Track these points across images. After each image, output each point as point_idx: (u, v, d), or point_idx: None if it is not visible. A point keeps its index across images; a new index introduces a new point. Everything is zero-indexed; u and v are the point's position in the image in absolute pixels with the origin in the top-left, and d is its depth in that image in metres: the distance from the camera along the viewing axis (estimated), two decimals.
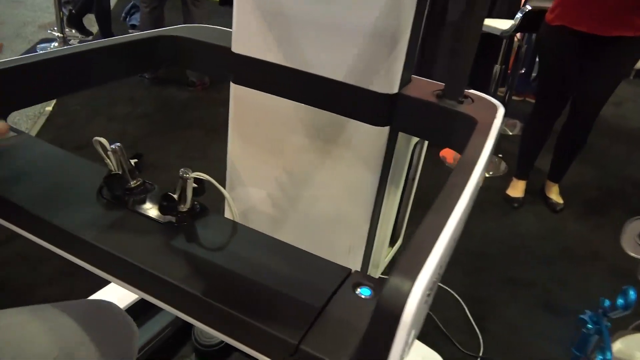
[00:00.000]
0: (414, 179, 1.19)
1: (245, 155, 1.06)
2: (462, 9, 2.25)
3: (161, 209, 0.60)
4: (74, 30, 4.06)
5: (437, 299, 1.43)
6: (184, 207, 0.61)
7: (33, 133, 2.57)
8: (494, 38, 2.42)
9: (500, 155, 2.85)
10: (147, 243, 0.56)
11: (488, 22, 2.40)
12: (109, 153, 0.62)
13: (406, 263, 0.40)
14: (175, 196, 0.60)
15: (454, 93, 0.86)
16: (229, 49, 0.97)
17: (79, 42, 3.94)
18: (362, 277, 0.57)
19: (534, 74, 4.05)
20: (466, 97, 0.89)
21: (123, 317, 0.78)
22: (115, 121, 2.87)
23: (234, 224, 0.63)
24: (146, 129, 2.80)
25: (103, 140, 0.62)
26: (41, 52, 0.82)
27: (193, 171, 0.60)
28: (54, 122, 2.75)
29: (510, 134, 3.25)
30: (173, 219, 0.60)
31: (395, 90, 0.87)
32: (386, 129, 0.90)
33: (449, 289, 1.84)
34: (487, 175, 2.70)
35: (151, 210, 0.61)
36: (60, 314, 0.68)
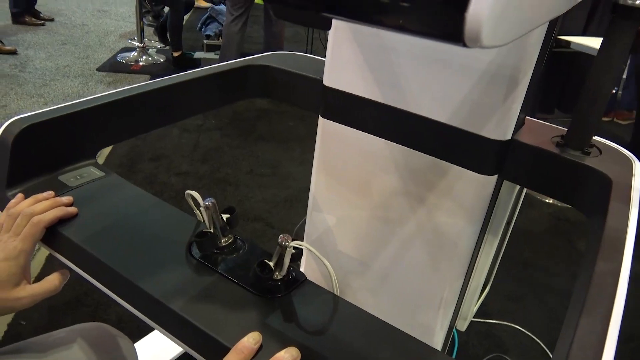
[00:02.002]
0: (509, 223, 1.07)
1: (330, 193, 0.99)
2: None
3: (256, 278, 0.53)
4: (153, 41, 4.19)
5: None
6: (279, 275, 0.54)
7: None
8: (585, 58, 2.23)
9: None
10: (239, 319, 0.50)
11: (584, 40, 2.22)
12: (202, 209, 0.57)
13: None
14: (272, 264, 0.53)
15: (579, 142, 0.75)
16: (320, 81, 0.90)
17: (156, 52, 4.07)
18: None
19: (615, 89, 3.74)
20: (592, 146, 0.77)
21: (121, 339, 0.79)
22: (187, 133, 2.91)
23: (333, 298, 0.56)
24: (217, 142, 2.82)
25: (195, 194, 0.57)
26: (129, 87, 0.79)
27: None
28: None
29: None
30: (267, 288, 0.54)
31: (509, 136, 0.76)
32: (493, 177, 0.80)
33: None
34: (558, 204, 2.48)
35: (244, 275, 0.55)
36: (61, 342, 0.69)
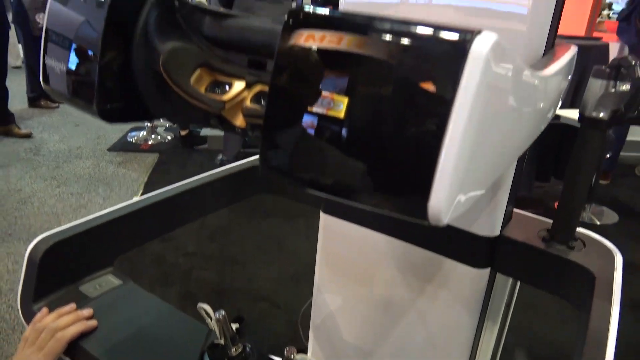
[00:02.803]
0: (509, 305, 1.10)
1: (333, 284, 1.04)
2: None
3: None
4: (161, 119, 4.37)
5: None
6: None
7: None
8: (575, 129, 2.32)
9: None
10: None
11: (572, 113, 2.32)
12: (213, 321, 0.61)
13: None
14: None
15: (563, 237, 0.80)
16: None
17: (164, 130, 4.23)
18: None
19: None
20: (576, 239, 0.82)
21: None
22: None
23: None
24: (224, 219, 2.88)
25: (207, 307, 0.62)
26: (142, 198, 0.85)
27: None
28: None
29: (598, 223, 3.04)
30: None
31: (497, 232, 0.82)
32: (486, 270, 0.85)
33: None
34: None
35: None
36: None
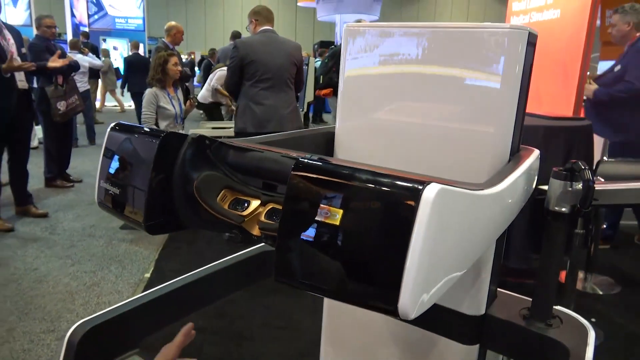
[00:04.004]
0: None
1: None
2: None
3: None
4: None
5: None
6: None
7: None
8: None
9: (593, 320, 2.68)
10: None
11: None
12: None
13: None
14: None
15: (541, 315, 0.90)
16: None
17: None
18: None
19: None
20: (554, 317, 0.91)
21: None
22: None
23: None
24: (232, 295, 2.95)
25: None
26: (164, 285, 0.96)
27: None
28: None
29: (601, 293, 3.07)
30: None
31: (482, 311, 0.92)
32: (475, 347, 0.94)
33: None
34: None
35: None
36: None
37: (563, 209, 0.84)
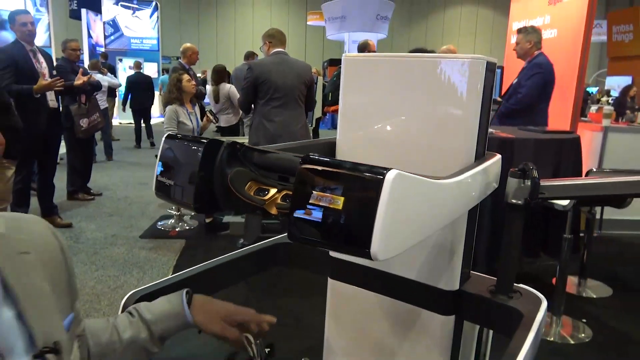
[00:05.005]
0: (484, 355, 1.36)
1: (340, 335, 1.32)
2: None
3: None
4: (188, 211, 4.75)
5: None
6: None
7: None
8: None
9: (584, 321, 2.83)
10: None
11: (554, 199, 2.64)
12: (253, 345, 0.91)
13: None
14: None
15: (504, 290, 1.10)
16: (327, 253, 1.29)
17: (190, 218, 4.60)
18: None
19: None
20: (516, 291, 1.11)
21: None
22: None
23: None
24: (243, 296, 3.15)
25: (250, 336, 0.92)
26: (182, 272, 1.17)
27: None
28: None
29: (594, 296, 3.23)
30: None
31: (457, 287, 1.12)
32: (452, 317, 1.14)
33: None
34: (558, 341, 2.65)
35: None
36: None
37: (518, 201, 1.05)
